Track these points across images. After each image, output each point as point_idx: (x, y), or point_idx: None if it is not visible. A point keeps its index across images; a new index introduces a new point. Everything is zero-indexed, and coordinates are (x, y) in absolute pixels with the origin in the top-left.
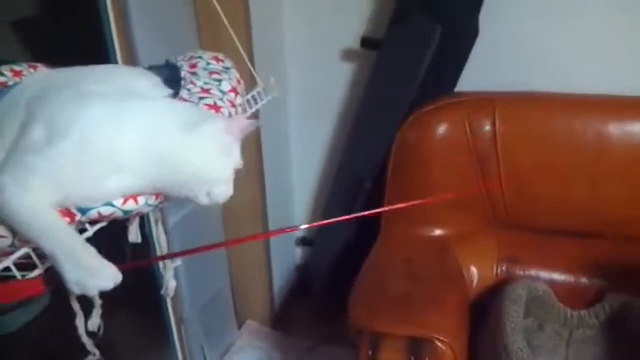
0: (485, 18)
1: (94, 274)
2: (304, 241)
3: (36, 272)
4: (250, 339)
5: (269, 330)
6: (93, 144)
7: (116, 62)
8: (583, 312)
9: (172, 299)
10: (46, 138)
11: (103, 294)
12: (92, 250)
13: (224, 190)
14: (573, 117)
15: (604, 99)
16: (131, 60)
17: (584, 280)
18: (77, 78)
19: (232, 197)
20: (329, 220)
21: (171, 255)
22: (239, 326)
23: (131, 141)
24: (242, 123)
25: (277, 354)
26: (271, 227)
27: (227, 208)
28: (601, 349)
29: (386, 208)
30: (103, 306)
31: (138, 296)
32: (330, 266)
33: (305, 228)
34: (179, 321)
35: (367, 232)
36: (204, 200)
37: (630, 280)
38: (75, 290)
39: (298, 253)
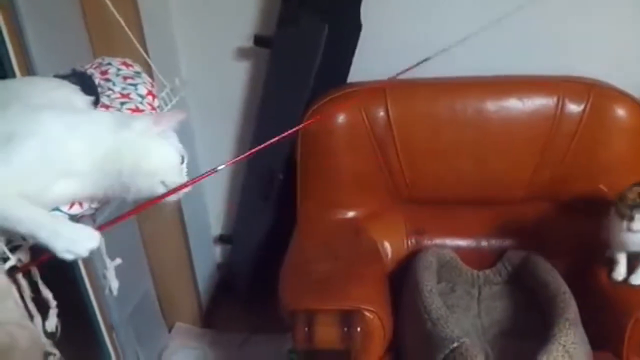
0: (367, 12)
1: (76, 239)
2: (222, 239)
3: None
4: (182, 340)
5: (199, 329)
6: (46, 151)
7: (14, 74)
8: (487, 271)
9: (100, 306)
10: (2, 144)
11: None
12: (65, 221)
13: (179, 179)
14: (455, 99)
15: (481, 80)
16: (27, 71)
17: (484, 243)
18: (15, 92)
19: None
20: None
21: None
22: (169, 329)
23: (79, 148)
24: (168, 114)
25: (212, 351)
26: (188, 226)
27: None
28: (507, 301)
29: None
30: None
31: (64, 308)
32: (251, 260)
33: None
34: (109, 328)
35: (284, 224)
36: (162, 191)
37: (525, 238)
38: (68, 256)
39: (218, 251)
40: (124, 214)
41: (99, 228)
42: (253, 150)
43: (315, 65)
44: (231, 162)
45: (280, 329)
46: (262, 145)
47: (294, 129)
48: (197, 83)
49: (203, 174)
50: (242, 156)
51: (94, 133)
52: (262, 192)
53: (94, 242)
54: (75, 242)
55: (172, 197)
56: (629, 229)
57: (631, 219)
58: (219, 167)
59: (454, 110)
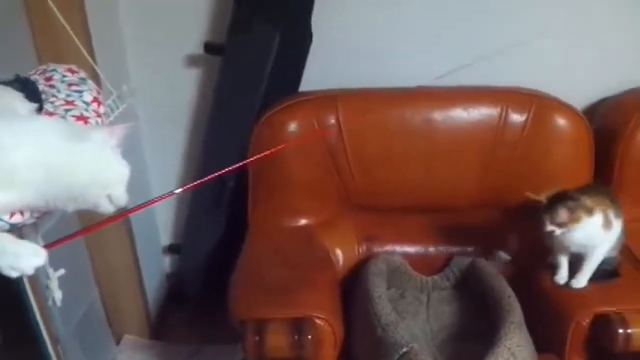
0: (317, 22)
1: (21, 256)
2: (172, 249)
3: None
4: (131, 353)
5: (148, 341)
6: None
7: None
8: (436, 277)
9: (44, 319)
10: None
11: None
12: (10, 238)
13: (123, 192)
14: (404, 108)
15: (429, 90)
16: None
17: (432, 249)
18: None
19: None
20: (203, 180)
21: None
22: (118, 342)
23: (21, 157)
24: (122, 128)
25: None
26: (136, 236)
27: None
28: (456, 306)
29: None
30: None
31: (7, 320)
32: (201, 270)
33: (169, 234)
34: (55, 342)
35: (235, 233)
36: (106, 205)
37: (472, 244)
38: (13, 274)
39: (167, 262)
40: (72, 234)
41: (46, 247)
42: (206, 178)
43: (267, 73)
44: (186, 188)
45: (232, 340)
46: (219, 173)
47: (258, 157)
48: (146, 90)
49: (159, 197)
50: (199, 182)
51: (44, 142)
52: (213, 201)
53: (39, 259)
54: (20, 258)
55: (112, 209)
56: (546, 232)
57: (543, 223)
58: (176, 191)
59: (404, 120)
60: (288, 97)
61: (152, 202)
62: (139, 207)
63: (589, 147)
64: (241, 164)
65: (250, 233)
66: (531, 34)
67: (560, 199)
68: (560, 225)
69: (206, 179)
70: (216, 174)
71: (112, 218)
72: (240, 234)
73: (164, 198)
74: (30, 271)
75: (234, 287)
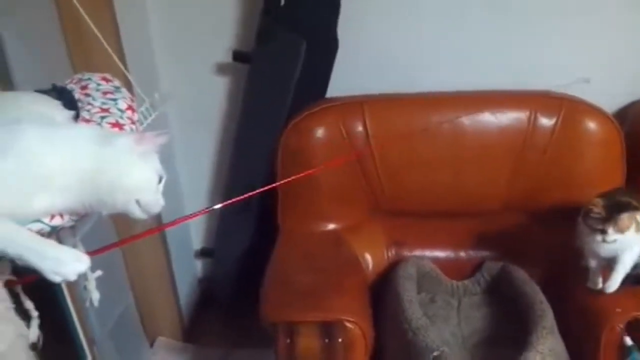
0: (343, 30)
1: (64, 261)
2: (203, 253)
3: None
4: (164, 355)
5: (181, 344)
6: (27, 165)
7: None
8: (466, 282)
9: (81, 320)
10: None
11: None
12: (52, 243)
13: (153, 199)
14: (431, 113)
15: (455, 95)
16: (7, 86)
17: (462, 254)
18: None
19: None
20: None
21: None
22: (151, 344)
23: (59, 162)
24: (151, 135)
25: None
26: (169, 240)
27: (122, 223)
28: (486, 311)
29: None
30: None
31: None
32: (233, 274)
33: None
34: (91, 343)
35: (264, 237)
36: (136, 210)
37: (502, 249)
38: (57, 278)
39: (199, 266)
40: (113, 244)
41: (89, 253)
42: (241, 197)
43: (294, 80)
44: (224, 204)
45: (262, 343)
46: (251, 194)
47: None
48: (176, 98)
49: (197, 212)
50: (236, 199)
51: (75, 147)
52: (243, 206)
53: (82, 265)
54: (62, 263)
55: (143, 215)
56: (605, 241)
57: (604, 232)
58: (215, 207)
59: (431, 124)
60: (315, 103)
61: (190, 216)
62: (177, 221)
63: (620, 150)
64: (272, 185)
65: (280, 238)
66: (559, 38)
67: (617, 206)
68: (622, 232)
69: (242, 197)
70: (249, 194)
71: (149, 230)
72: (270, 239)
73: (202, 213)
74: (72, 277)
75: (265, 291)
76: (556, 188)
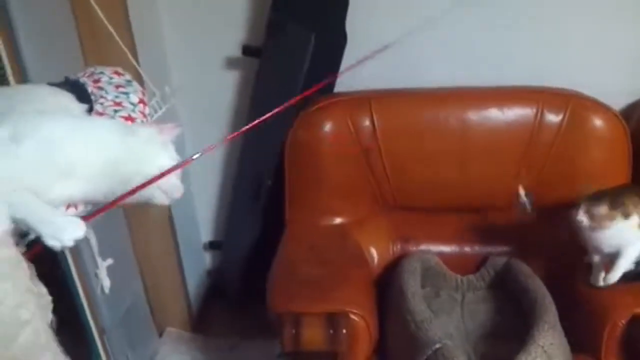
0: (351, 24)
1: (63, 228)
2: (212, 245)
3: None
4: (173, 345)
5: (189, 334)
6: (51, 151)
7: (7, 82)
8: (471, 276)
9: (91, 309)
10: (10, 138)
11: None
12: (56, 211)
13: (175, 184)
14: (438, 108)
15: (462, 91)
16: (21, 79)
17: (467, 249)
18: (16, 98)
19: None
20: None
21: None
22: (160, 334)
23: (83, 153)
24: (169, 126)
25: (202, 356)
26: (178, 233)
27: (133, 214)
28: (490, 305)
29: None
30: None
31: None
32: (240, 266)
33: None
34: (101, 332)
35: (272, 230)
36: (160, 197)
37: (507, 244)
38: (55, 243)
39: (208, 258)
40: (107, 204)
41: (84, 218)
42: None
43: (303, 74)
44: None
45: (270, 334)
46: None
47: None
48: (187, 91)
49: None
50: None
51: (98, 138)
52: (251, 199)
53: (79, 231)
54: (62, 229)
55: (166, 200)
56: (592, 229)
57: (576, 210)
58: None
59: (438, 120)
60: (323, 98)
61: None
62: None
63: (626, 148)
64: None
65: (287, 231)
66: (566, 35)
67: (602, 195)
68: (593, 219)
69: None
70: None
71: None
72: (278, 232)
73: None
74: (70, 243)
75: (272, 282)
76: (562, 184)
